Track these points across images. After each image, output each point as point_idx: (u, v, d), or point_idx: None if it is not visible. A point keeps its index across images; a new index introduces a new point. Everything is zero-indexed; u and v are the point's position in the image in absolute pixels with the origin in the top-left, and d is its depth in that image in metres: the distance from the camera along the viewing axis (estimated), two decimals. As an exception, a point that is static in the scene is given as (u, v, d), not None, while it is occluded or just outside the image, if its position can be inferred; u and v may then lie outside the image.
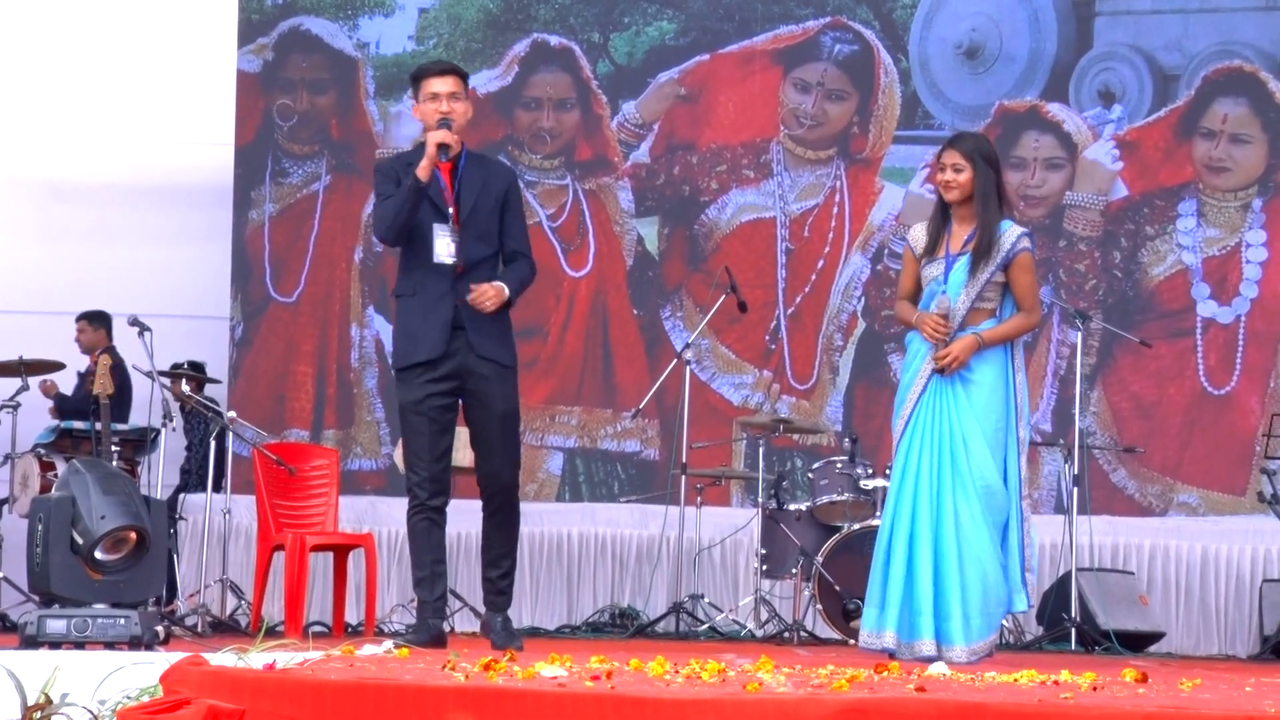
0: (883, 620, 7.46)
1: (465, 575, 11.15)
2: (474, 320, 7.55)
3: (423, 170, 7.45)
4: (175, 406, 10.29)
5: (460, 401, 7.67)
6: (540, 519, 11.42)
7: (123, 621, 6.83)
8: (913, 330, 7.66)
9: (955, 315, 7.52)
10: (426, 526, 7.65)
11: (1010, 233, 7.58)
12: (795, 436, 11.53)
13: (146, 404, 9.59)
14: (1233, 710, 4.21)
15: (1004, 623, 10.16)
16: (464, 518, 9.28)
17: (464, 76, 7.75)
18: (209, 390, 11.45)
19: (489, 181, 7.69)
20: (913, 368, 7.62)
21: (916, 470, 7.50)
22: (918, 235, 7.70)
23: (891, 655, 7.24)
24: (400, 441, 10.81)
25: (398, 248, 7.72)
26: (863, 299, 12.05)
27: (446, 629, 7.97)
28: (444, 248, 7.55)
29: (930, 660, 6.86)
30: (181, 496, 11.12)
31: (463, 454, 8.18)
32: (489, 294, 7.50)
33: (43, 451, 10.68)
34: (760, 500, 10.46)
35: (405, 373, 7.65)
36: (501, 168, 8.02)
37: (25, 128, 12.40)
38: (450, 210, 7.60)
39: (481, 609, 10.09)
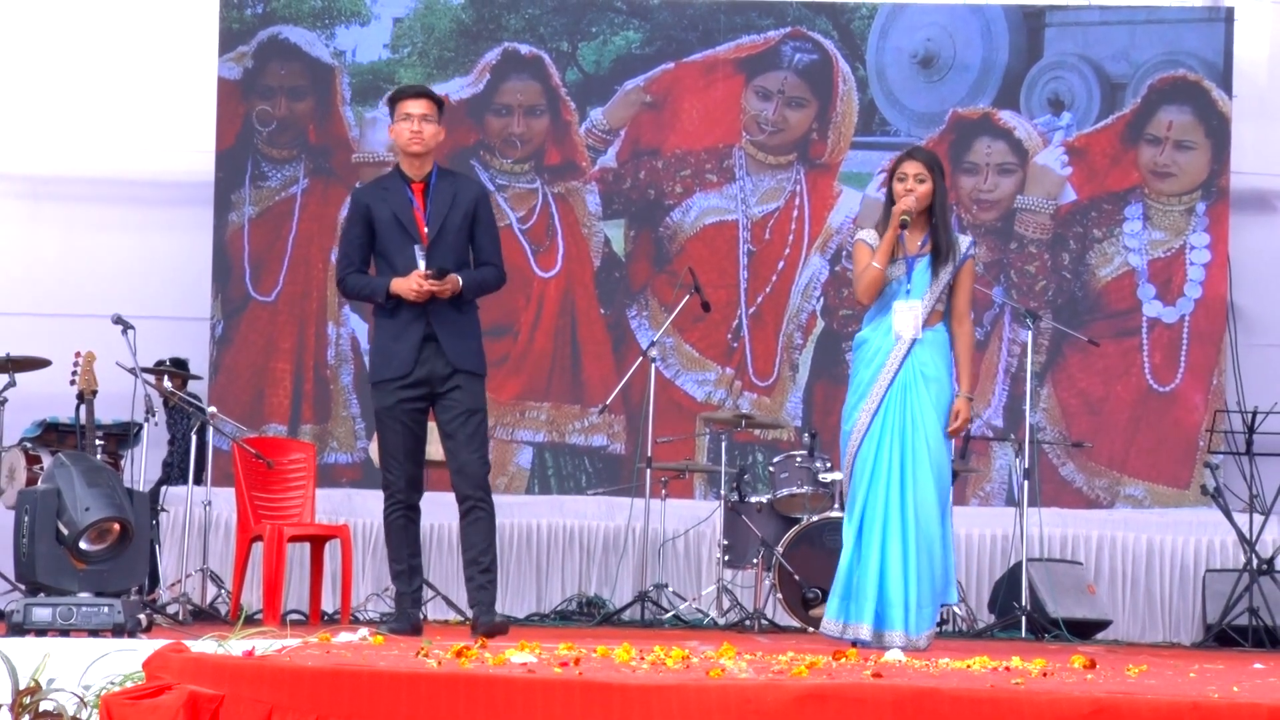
0: (849, 611, 7.60)
1: (439, 566, 11.21)
2: (445, 331, 7.87)
3: (396, 288, 7.85)
4: (158, 402, 10.24)
5: (430, 405, 7.98)
6: (510, 511, 11.30)
7: (106, 610, 6.86)
8: (876, 310, 7.79)
9: (920, 313, 7.72)
10: (403, 524, 8.00)
11: (962, 240, 7.87)
12: (756, 431, 11.64)
13: (130, 399, 9.70)
14: (1178, 695, 4.29)
15: (956, 610, 10.50)
16: (438, 510, 9.46)
17: (438, 101, 8.02)
18: (190, 386, 11.56)
19: (457, 198, 7.95)
20: (875, 363, 7.75)
21: (888, 462, 7.65)
22: (873, 235, 7.81)
23: (856, 645, 7.32)
24: (374, 439, 11.09)
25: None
26: (822, 299, 12.12)
27: (421, 617, 8.31)
28: (418, 268, 7.84)
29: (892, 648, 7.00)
30: (163, 489, 11.06)
31: (434, 447, 8.52)
32: (445, 282, 7.81)
33: (29, 445, 10.58)
34: (723, 493, 10.55)
35: (379, 384, 8.00)
36: (469, 183, 8.23)
37: (12, 130, 12.31)
38: (420, 232, 7.91)
39: (455, 598, 10.40)
